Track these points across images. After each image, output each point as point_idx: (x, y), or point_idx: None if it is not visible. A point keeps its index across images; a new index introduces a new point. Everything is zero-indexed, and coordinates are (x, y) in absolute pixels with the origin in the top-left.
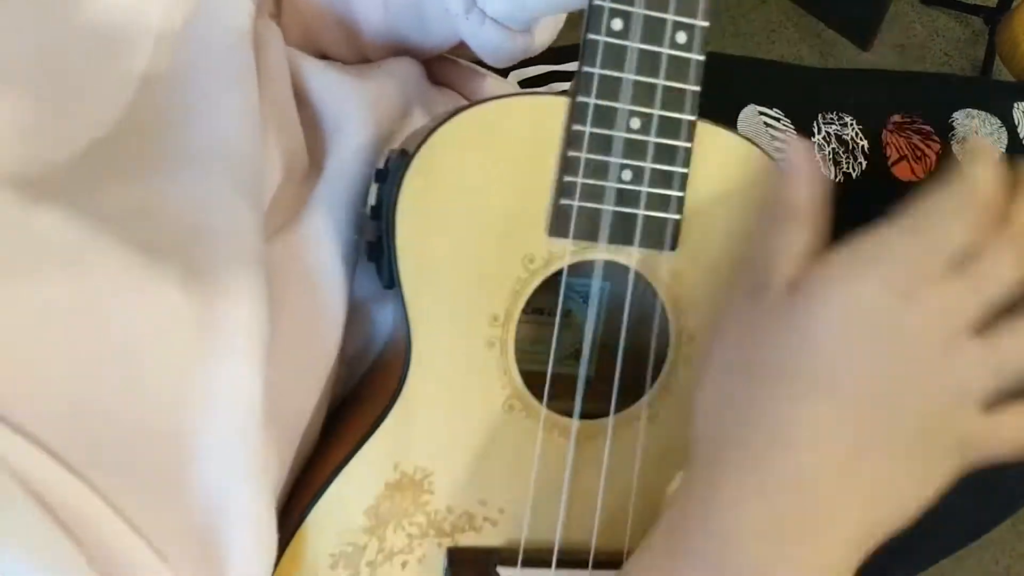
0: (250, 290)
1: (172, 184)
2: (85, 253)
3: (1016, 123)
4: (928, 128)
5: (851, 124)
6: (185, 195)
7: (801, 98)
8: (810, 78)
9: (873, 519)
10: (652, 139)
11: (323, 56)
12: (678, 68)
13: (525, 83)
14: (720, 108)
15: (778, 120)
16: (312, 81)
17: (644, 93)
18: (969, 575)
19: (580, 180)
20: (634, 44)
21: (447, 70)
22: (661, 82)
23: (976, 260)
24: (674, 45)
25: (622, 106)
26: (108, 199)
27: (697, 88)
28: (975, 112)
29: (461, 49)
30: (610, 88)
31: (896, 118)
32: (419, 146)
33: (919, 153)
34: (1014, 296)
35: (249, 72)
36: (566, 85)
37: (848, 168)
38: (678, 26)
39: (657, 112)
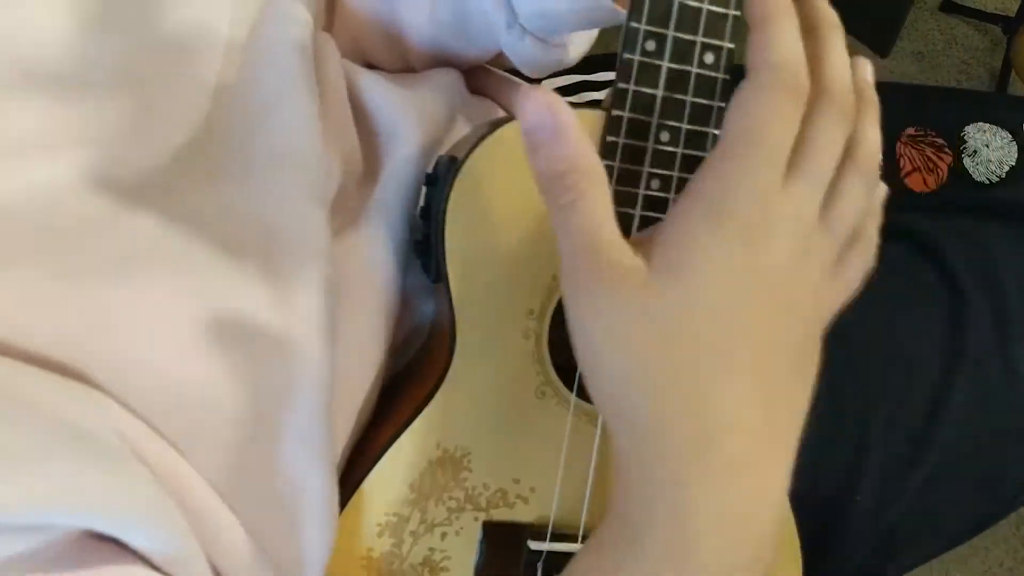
0: (321, 282)
1: (248, 187)
2: (180, 253)
3: None
4: (940, 141)
5: None
6: (260, 197)
7: None
8: None
9: (796, 437)
10: (680, 151)
11: (368, 64)
12: (705, 86)
13: (556, 91)
14: None
15: None
16: (367, 92)
17: (674, 108)
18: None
19: (613, 187)
20: (665, 63)
21: (484, 79)
22: (689, 99)
23: (804, 149)
24: (702, 65)
25: (653, 120)
26: (194, 202)
27: (723, 104)
28: (986, 126)
29: (498, 59)
30: (642, 103)
31: (910, 131)
32: (468, 153)
33: (931, 165)
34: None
35: (311, 82)
36: (595, 93)
37: None
38: (706, 47)
39: (685, 126)
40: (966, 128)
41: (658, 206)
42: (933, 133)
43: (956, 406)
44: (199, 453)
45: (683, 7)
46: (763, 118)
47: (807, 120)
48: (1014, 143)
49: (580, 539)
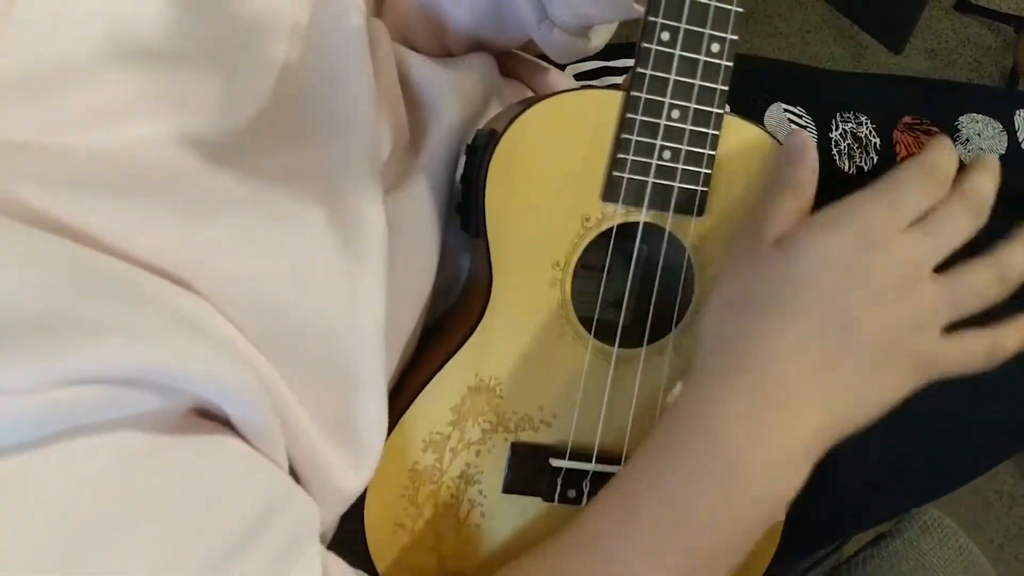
0: (377, 225)
1: (312, 151)
2: (254, 202)
3: (1016, 128)
4: (935, 129)
5: (866, 123)
6: (324, 159)
7: (822, 98)
8: (831, 80)
9: (834, 418)
10: (688, 127)
11: (411, 48)
12: (711, 71)
13: (580, 76)
14: (750, 104)
15: (800, 117)
16: (414, 71)
17: (683, 90)
18: None
19: (630, 157)
20: (678, 51)
21: (515, 64)
22: (697, 82)
23: (934, 218)
24: (709, 53)
25: (666, 100)
26: (265, 163)
27: (726, 88)
28: (979, 117)
29: (528, 45)
30: (657, 85)
31: (907, 119)
32: (507, 126)
33: None
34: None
35: (367, 62)
36: (616, 78)
37: (861, 162)
38: (713, 38)
39: (693, 105)
40: (960, 118)
41: (669, 174)
42: (928, 121)
43: None
44: (281, 363)
45: (694, 4)
46: (907, 180)
47: (939, 206)
48: (1004, 133)
49: (594, 458)
